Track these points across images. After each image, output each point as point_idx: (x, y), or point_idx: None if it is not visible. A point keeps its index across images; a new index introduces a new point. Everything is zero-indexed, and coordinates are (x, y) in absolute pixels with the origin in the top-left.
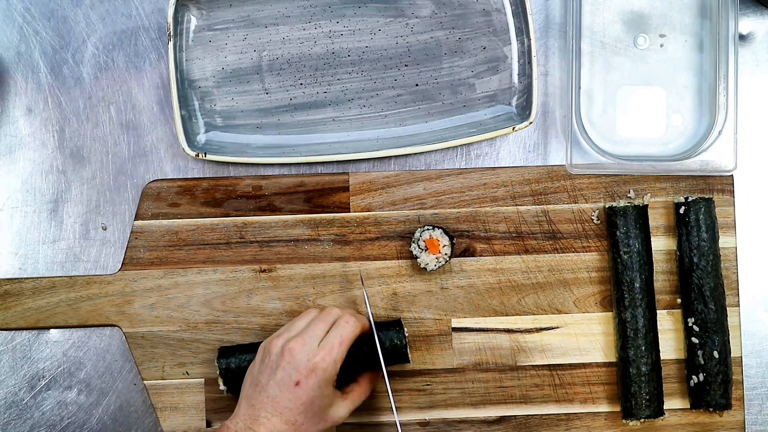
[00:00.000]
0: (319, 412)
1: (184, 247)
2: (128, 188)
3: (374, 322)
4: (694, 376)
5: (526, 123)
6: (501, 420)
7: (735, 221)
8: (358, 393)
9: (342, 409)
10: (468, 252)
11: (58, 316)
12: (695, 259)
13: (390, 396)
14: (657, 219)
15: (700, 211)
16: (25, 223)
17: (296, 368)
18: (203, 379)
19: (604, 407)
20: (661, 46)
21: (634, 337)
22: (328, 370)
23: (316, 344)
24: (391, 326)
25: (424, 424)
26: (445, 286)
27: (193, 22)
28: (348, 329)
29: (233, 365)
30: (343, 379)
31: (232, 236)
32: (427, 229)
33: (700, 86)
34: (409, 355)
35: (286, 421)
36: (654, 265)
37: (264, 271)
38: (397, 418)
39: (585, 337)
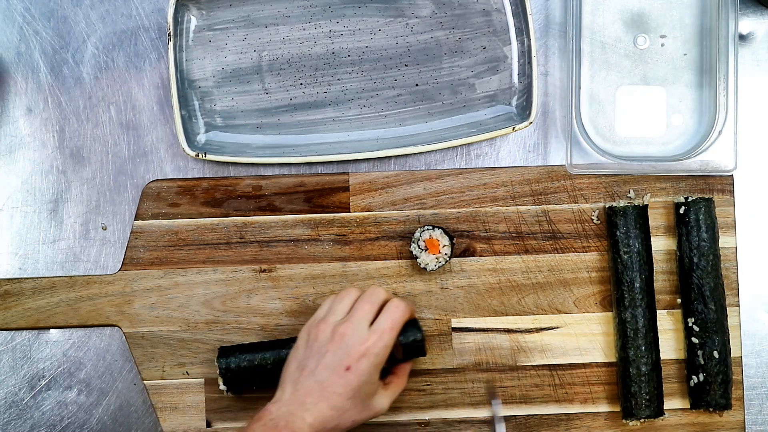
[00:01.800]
0: (365, 400)
1: (184, 247)
2: (128, 188)
3: None
4: (694, 376)
5: (526, 123)
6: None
7: (735, 221)
8: (397, 384)
9: (384, 399)
10: (468, 252)
11: (58, 316)
12: (695, 259)
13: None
14: (657, 219)
15: (700, 211)
16: (25, 223)
17: (347, 352)
18: (203, 379)
19: (604, 407)
20: (662, 45)
21: (634, 337)
22: (379, 355)
23: (365, 328)
24: (410, 324)
25: (424, 424)
26: (445, 286)
27: (193, 22)
28: (398, 314)
29: (233, 365)
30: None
31: (232, 236)
32: (427, 229)
33: (700, 86)
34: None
35: (333, 407)
36: (654, 265)
37: (264, 271)
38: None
39: (585, 337)
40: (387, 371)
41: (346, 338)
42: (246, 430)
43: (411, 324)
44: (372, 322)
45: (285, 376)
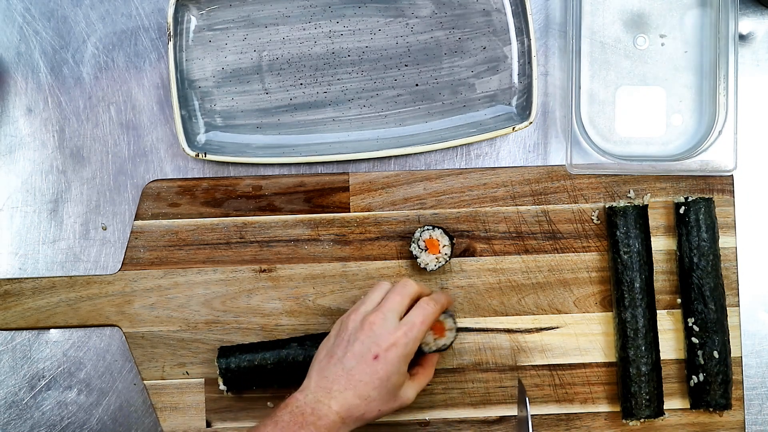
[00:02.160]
0: (393, 390)
1: (184, 247)
2: (128, 188)
3: (319, 334)
4: (694, 376)
5: (526, 123)
6: (501, 420)
7: (735, 221)
8: (423, 375)
9: (411, 390)
10: (468, 252)
11: (58, 316)
12: (695, 259)
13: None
14: (657, 219)
15: (700, 211)
16: (25, 223)
17: (376, 341)
18: (203, 379)
19: (604, 407)
20: (662, 45)
21: (634, 337)
22: (408, 346)
23: (396, 319)
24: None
25: (424, 424)
26: (445, 286)
27: (193, 22)
28: (430, 311)
29: (233, 365)
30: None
31: (232, 236)
32: (427, 229)
33: (700, 86)
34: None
35: (359, 396)
36: (654, 265)
37: (264, 271)
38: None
39: (585, 337)
40: (414, 363)
41: (375, 327)
42: (272, 417)
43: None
44: (404, 315)
45: (313, 364)
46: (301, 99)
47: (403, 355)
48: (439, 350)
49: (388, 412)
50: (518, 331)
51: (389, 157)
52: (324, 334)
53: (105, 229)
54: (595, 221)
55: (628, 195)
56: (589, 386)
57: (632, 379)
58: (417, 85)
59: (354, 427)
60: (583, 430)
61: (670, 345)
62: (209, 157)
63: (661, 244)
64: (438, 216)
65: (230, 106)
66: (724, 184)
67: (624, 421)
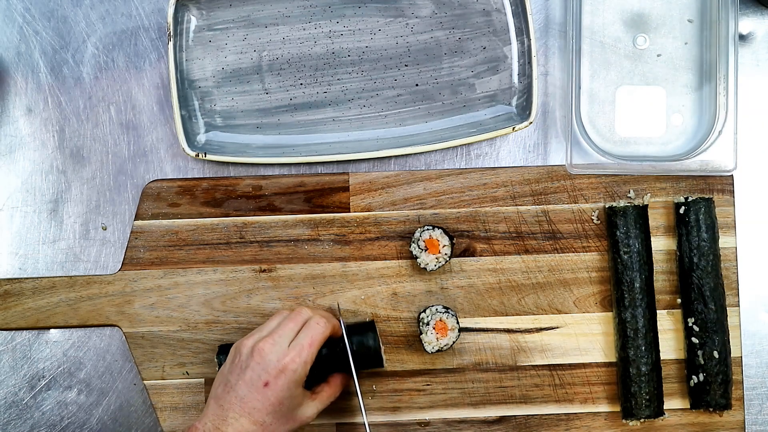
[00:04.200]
0: (288, 413)
1: (184, 247)
2: (128, 188)
3: (347, 325)
4: (694, 376)
5: (526, 123)
6: (501, 420)
7: (735, 221)
8: (327, 393)
9: (310, 409)
10: (468, 252)
11: (58, 316)
12: (695, 259)
13: (360, 399)
14: (657, 219)
15: (700, 211)
16: (25, 223)
17: (265, 369)
18: (203, 379)
19: (604, 407)
20: (662, 45)
21: (634, 337)
22: (297, 371)
23: (286, 344)
24: (365, 329)
25: (424, 424)
26: (445, 286)
27: (193, 22)
28: (318, 330)
29: None
30: (316, 380)
31: (232, 236)
32: (427, 229)
33: (700, 86)
34: (384, 359)
35: (254, 422)
36: (654, 265)
37: (264, 271)
38: (366, 419)
39: (585, 337)
40: (322, 378)
41: (264, 354)
42: None
43: (369, 334)
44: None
45: (211, 392)
46: (301, 99)
47: (293, 380)
48: (441, 350)
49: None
50: (518, 331)
51: (389, 157)
52: (352, 328)
53: (105, 229)
54: (595, 221)
55: (628, 195)
56: (589, 386)
57: (632, 379)
58: (417, 85)
59: None
60: (583, 430)
61: (670, 345)
62: (209, 157)
63: (661, 244)
64: (438, 216)
65: (230, 106)
66: (724, 184)
67: (624, 421)
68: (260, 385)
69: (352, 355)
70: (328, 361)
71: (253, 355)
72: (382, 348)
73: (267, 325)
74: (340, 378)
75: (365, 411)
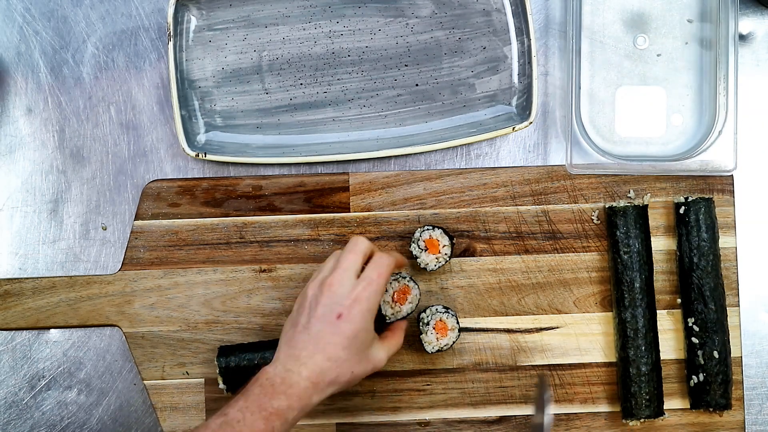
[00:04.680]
0: (362, 348)
1: (184, 247)
2: (128, 188)
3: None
4: (694, 376)
5: (526, 123)
6: (501, 420)
7: (735, 221)
8: (393, 337)
9: (381, 351)
10: (468, 252)
11: (58, 316)
12: (695, 259)
13: None
14: (657, 219)
15: (700, 211)
16: (25, 223)
17: (337, 301)
18: (203, 379)
19: (604, 407)
20: (662, 45)
21: (634, 337)
22: (370, 299)
23: (353, 276)
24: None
25: (424, 424)
26: (445, 286)
27: (193, 22)
28: (384, 263)
29: (233, 364)
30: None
31: (232, 236)
32: (427, 229)
33: (700, 86)
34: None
35: (329, 358)
36: (654, 265)
37: (264, 271)
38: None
39: (585, 337)
40: (381, 330)
41: (334, 288)
42: (243, 392)
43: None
44: (360, 273)
45: (281, 337)
46: (301, 99)
47: (367, 310)
48: (441, 350)
49: (361, 374)
50: (518, 331)
51: (389, 157)
52: None
53: (105, 229)
54: (595, 221)
55: (628, 195)
56: (589, 386)
57: (632, 379)
58: (417, 85)
59: (329, 392)
60: (583, 430)
61: (670, 345)
62: (209, 157)
63: (661, 244)
64: (438, 216)
65: (230, 106)
66: (724, 184)
67: (624, 421)
68: (333, 318)
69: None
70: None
71: (323, 291)
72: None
73: (326, 266)
74: (400, 326)
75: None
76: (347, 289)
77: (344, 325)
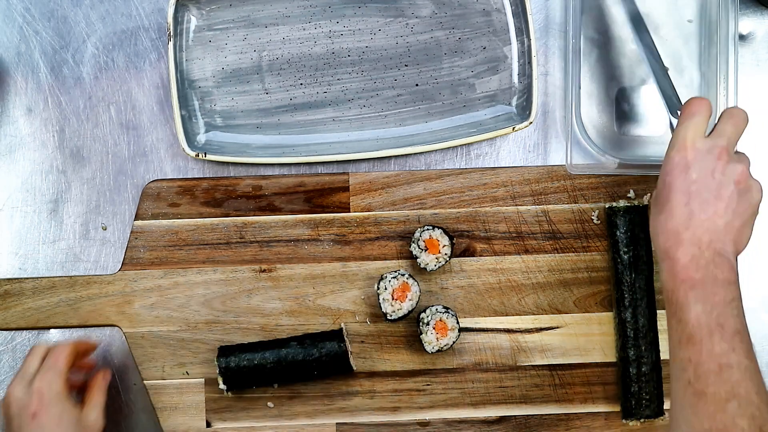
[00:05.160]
0: (71, 428)
1: (184, 247)
2: (128, 188)
3: (316, 333)
4: None
5: (526, 123)
6: (501, 420)
7: None
8: (94, 395)
9: (90, 413)
10: (468, 252)
11: (58, 316)
12: None
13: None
14: None
15: None
16: (25, 223)
17: (23, 404)
18: (203, 379)
19: (604, 407)
20: (662, 46)
21: (634, 337)
22: (52, 386)
23: (32, 375)
24: (332, 336)
25: (424, 424)
26: (445, 286)
27: (193, 22)
28: (59, 350)
29: (233, 364)
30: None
31: (232, 236)
32: (427, 229)
33: (700, 86)
34: (353, 365)
35: None
36: (654, 265)
37: (264, 271)
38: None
39: (585, 337)
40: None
41: (15, 393)
42: None
43: (336, 338)
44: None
45: None
46: (301, 99)
47: (55, 395)
48: (441, 350)
49: None
50: (518, 331)
51: (389, 157)
52: (324, 333)
53: (105, 229)
54: (595, 221)
55: (628, 195)
56: (589, 386)
57: (632, 379)
58: (417, 85)
59: None
60: (583, 430)
61: None
62: (209, 157)
63: None
64: (438, 216)
65: (230, 106)
66: None
67: (624, 421)
68: (29, 420)
69: (317, 361)
70: (272, 373)
71: (7, 403)
72: (351, 354)
73: (22, 367)
74: (97, 379)
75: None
76: (26, 387)
77: (43, 420)
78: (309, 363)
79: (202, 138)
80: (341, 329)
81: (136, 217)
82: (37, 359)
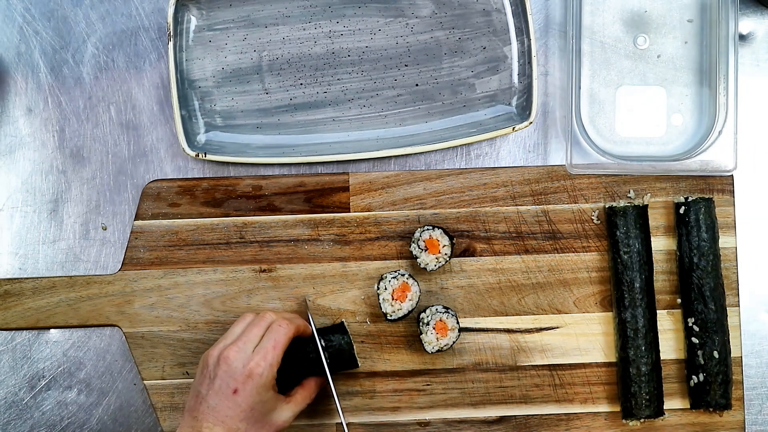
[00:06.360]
0: (262, 418)
1: (184, 247)
2: (128, 188)
3: (318, 327)
4: (694, 376)
5: (526, 123)
6: (501, 420)
7: (735, 221)
8: (302, 396)
9: (285, 412)
10: (468, 252)
11: (58, 316)
12: (695, 259)
13: (336, 400)
14: (657, 219)
15: (700, 211)
16: (25, 223)
17: (232, 376)
18: None
19: (604, 407)
20: (662, 45)
21: (634, 337)
22: (264, 375)
23: (251, 350)
24: (335, 330)
25: (424, 424)
26: (445, 286)
27: (193, 22)
28: (281, 332)
29: None
30: (292, 384)
31: (232, 236)
32: (427, 229)
33: (700, 86)
34: (358, 360)
35: (229, 429)
36: (654, 265)
37: (264, 271)
38: (343, 420)
39: (585, 337)
40: (296, 382)
41: (230, 361)
42: None
43: (340, 334)
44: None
45: (186, 405)
46: (301, 99)
47: (261, 384)
48: (441, 350)
49: None
50: (518, 331)
51: (389, 157)
52: (324, 330)
53: (105, 229)
54: (595, 221)
55: (628, 195)
56: (589, 386)
57: (632, 379)
58: (417, 85)
59: None
60: (583, 430)
61: (670, 345)
62: (209, 157)
63: (661, 244)
64: (438, 216)
65: (230, 106)
66: (724, 184)
67: (624, 421)
68: (229, 393)
69: (325, 356)
70: (302, 365)
71: (220, 364)
72: (355, 348)
73: (232, 332)
74: (314, 381)
75: (342, 411)
76: (242, 363)
77: (240, 399)
78: (308, 362)
79: (202, 138)
80: (342, 323)
81: (136, 217)
82: (260, 331)
